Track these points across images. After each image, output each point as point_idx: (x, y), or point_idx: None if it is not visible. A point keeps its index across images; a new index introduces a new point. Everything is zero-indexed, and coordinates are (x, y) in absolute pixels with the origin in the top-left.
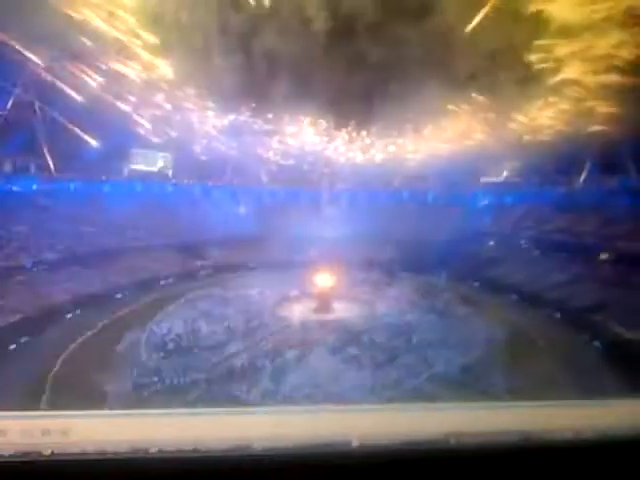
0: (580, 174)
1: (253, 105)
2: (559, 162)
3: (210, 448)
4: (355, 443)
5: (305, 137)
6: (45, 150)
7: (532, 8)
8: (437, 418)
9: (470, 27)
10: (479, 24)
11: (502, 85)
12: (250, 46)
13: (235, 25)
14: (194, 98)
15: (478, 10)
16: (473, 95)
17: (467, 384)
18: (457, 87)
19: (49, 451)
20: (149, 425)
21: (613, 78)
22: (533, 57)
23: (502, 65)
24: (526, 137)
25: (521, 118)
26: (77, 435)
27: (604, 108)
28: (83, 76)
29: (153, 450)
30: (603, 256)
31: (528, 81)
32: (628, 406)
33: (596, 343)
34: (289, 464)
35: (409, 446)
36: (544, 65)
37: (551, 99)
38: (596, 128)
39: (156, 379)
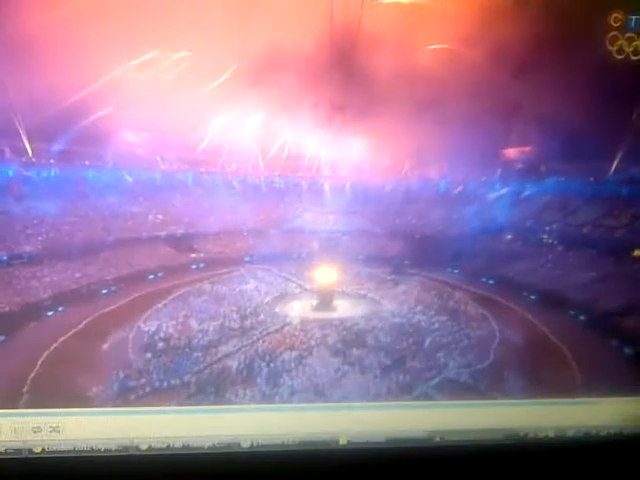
0: (611, 161)
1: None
2: (587, 147)
3: (199, 446)
4: (342, 441)
5: (306, 123)
6: (22, 132)
7: None
8: (422, 416)
9: None
10: None
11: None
12: None
13: None
14: None
15: None
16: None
17: (480, 391)
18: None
19: (40, 448)
20: (139, 423)
21: None
22: None
23: None
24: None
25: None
26: (68, 433)
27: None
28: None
29: (143, 447)
30: (636, 253)
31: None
32: (611, 404)
33: (627, 350)
34: (277, 462)
35: (395, 444)
36: None
37: None
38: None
39: (144, 381)
